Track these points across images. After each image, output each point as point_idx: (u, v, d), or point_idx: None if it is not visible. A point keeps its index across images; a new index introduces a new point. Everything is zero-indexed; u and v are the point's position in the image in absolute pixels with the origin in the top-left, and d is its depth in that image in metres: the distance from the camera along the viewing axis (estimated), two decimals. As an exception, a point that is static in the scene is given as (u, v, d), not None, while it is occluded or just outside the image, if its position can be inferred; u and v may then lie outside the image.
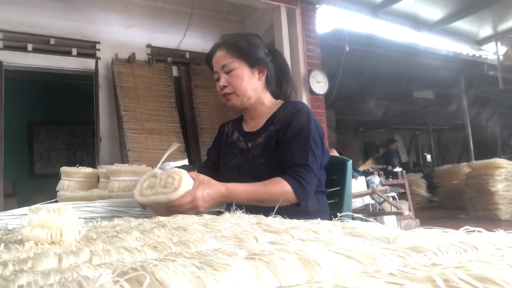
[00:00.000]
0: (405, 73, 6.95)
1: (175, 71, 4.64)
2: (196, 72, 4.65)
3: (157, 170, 1.06)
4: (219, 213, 0.93)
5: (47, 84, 5.85)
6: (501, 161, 5.53)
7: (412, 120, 11.15)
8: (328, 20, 4.72)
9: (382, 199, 4.05)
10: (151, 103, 4.20)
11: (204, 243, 0.45)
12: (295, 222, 0.61)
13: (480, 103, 8.98)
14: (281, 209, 0.86)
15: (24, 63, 3.90)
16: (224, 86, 1.27)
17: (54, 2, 4.09)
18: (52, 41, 3.98)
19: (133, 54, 4.28)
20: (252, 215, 0.76)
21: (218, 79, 1.29)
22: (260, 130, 1.30)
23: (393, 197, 4.49)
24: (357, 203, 4.18)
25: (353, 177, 3.75)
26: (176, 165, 1.65)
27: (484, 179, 5.53)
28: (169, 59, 4.57)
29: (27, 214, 0.66)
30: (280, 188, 1.09)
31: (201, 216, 0.79)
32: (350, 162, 1.48)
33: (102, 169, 1.43)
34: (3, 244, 0.52)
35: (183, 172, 0.98)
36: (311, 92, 4.21)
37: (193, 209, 0.97)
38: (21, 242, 0.55)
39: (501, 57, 6.21)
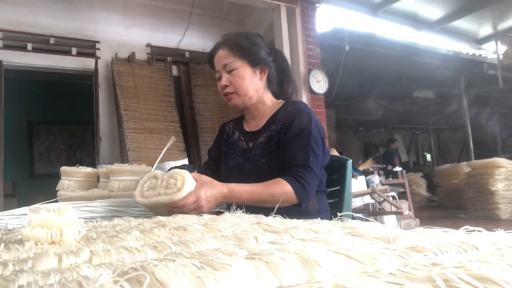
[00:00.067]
0: (405, 72, 6.95)
1: (175, 70, 4.64)
2: (196, 71, 4.65)
3: (157, 171, 1.06)
4: (219, 213, 0.93)
5: (47, 84, 5.85)
6: (501, 161, 5.53)
7: (412, 119, 11.15)
8: (328, 19, 4.72)
9: (382, 199, 4.05)
10: (151, 103, 4.20)
11: (204, 243, 0.45)
12: (295, 222, 0.61)
13: (480, 103, 8.97)
14: (281, 209, 0.86)
15: (24, 63, 3.90)
16: (226, 86, 1.27)
17: (54, 2, 4.08)
18: (52, 41, 3.98)
19: (133, 53, 4.28)
20: (252, 215, 0.76)
21: (220, 78, 1.29)
22: (261, 129, 1.30)
23: (393, 197, 4.49)
24: (357, 202, 4.18)
25: (353, 176, 3.75)
26: (176, 165, 1.65)
27: (484, 178, 5.53)
28: (169, 58, 4.57)
29: (27, 214, 0.66)
30: (281, 189, 1.09)
31: (201, 216, 0.79)
32: (350, 162, 1.48)
33: (102, 168, 1.43)
34: (3, 244, 0.52)
35: (186, 172, 0.98)
36: (311, 92, 4.21)
37: (196, 209, 0.97)
38: (21, 242, 0.55)
39: (501, 56, 6.21)
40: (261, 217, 0.70)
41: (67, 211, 0.58)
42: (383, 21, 5.04)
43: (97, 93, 4.09)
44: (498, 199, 5.36)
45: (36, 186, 5.64)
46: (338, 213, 0.60)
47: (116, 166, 1.35)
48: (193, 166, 1.44)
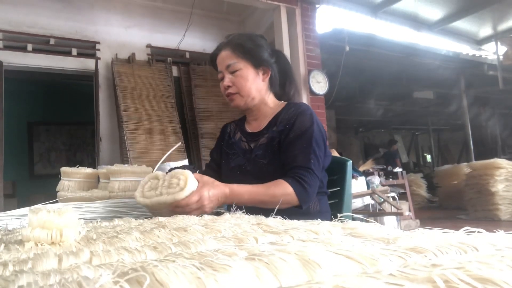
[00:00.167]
0: (405, 73, 6.95)
1: (175, 71, 4.64)
2: (196, 72, 4.65)
3: (158, 172, 1.06)
4: (219, 213, 0.93)
5: (47, 84, 5.85)
6: (501, 162, 5.53)
7: (412, 120, 11.15)
8: (328, 20, 4.73)
9: (382, 200, 4.05)
10: (151, 103, 4.20)
11: (204, 244, 0.45)
12: (295, 222, 0.61)
13: (480, 103, 8.98)
14: (282, 210, 0.86)
15: (24, 63, 3.90)
16: (228, 86, 1.27)
17: (54, 2, 4.09)
18: (52, 41, 3.98)
19: (133, 54, 4.29)
20: (252, 216, 0.76)
21: (222, 79, 1.29)
22: (263, 130, 1.30)
23: (393, 198, 4.48)
24: (357, 203, 4.18)
25: (353, 177, 3.75)
26: (176, 165, 1.65)
27: (484, 179, 5.53)
28: (169, 59, 4.57)
29: (27, 215, 0.66)
30: (282, 190, 1.10)
31: (201, 217, 0.79)
32: (350, 162, 1.48)
33: (102, 169, 1.43)
34: (3, 245, 0.52)
35: (188, 172, 0.99)
36: (311, 92, 4.21)
37: (199, 209, 0.97)
38: (21, 242, 0.55)
39: (501, 57, 6.21)
40: (261, 218, 0.70)
41: (67, 211, 0.58)
42: (383, 22, 5.04)
43: (97, 94, 4.09)
44: (498, 200, 5.35)
45: (36, 187, 5.64)
46: (338, 214, 0.60)
47: (116, 167, 1.35)
48: (193, 166, 1.44)
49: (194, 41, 4.71)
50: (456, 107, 7.92)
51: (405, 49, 5.52)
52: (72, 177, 1.41)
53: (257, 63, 1.28)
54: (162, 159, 1.26)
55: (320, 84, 4.29)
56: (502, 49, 6.16)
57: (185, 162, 3.64)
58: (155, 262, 0.30)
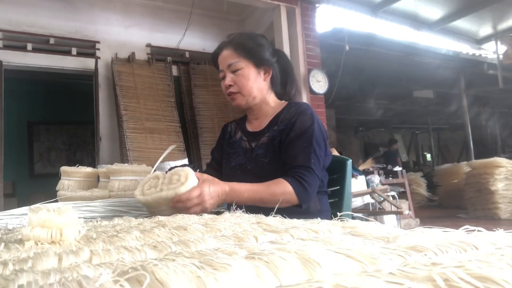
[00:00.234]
0: (405, 72, 6.95)
1: (175, 70, 4.64)
2: (196, 71, 4.65)
3: (158, 172, 1.06)
4: (219, 213, 0.93)
5: (47, 84, 5.84)
6: (501, 160, 5.53)
7: (412, 119, 11.15)
8: (328, 19, 4.72)
9: (382, 198, 4.05)
10: (151, 103, 4.20)
11: (204, 243, 0.45)
12: (295, 221, 0.61)
13: (480, 103, 8.98)
14: (282, 209, 0.86)
15: (24, 63, 3.90)
16: (230, 85, 1.28)
17: (54, 2, 4.08)
18: (52, 41, 3.98)
19: (133, 53, 4.28)
20: (252, 215, 0.76)
21: (224, 78, 1.29)
22: (264, 130, 1.30)
23: (393, 196, 4.49)
24: (357, 202, 4.18)
25: (353, 176, 3.75)
26: (176, 165, 1.65)
27: (484, 178, 5.53)
28: (169, 58, 4.57)
29: (27, 214, 0.66)
30: (282, 189, 1.10)
31: (201, 216, 0.79)
32: (350, 162, 1.48)
33: (102, 168, 1.43)
34: (3, 244, 0.52)
35: (189, 169, 1.00)
36: (311, 92, 4.21)
37: (200, 204, 0.97)
38: (21, 241, 0.55)
39: (501, 56, 6.21)
40: (261, 217, 0.71)
41: (67, 211, 0.58)
42: (383, 21, 5.04)
43: (97, 93, 4.09)
44: (498, 198, 5.36)
45: (36, 186, 5.64)
46: (338, 213, 0.60)
47: (116, 166, 1.35)
48: (193, 165, 1.44)
49: (194, 40, 4.71)
50: (456, 106, 7.92)
51: (405, 48, 5.52)
52: (72, 177, 1.41)
53: (259, 63, 1.28)
54: (158, 162, 1.26)
55: (320, 83, 4.29)
56: (502, 48, 6.16)
57: (185, 161, 3.64)
58: (155, 261, 0.30)
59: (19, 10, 3.89)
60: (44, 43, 3.99)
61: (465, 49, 6.23)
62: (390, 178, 5.27)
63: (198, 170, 1.20)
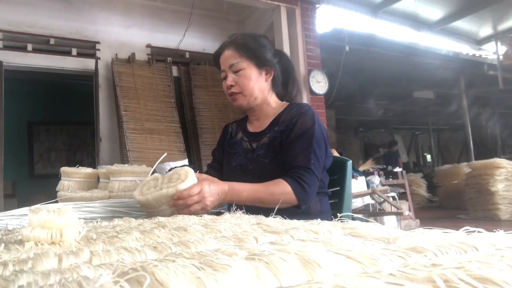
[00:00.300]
0: (405, 73, 6.95)
1: (175, 71, 4.64)
2: (196, 72, 4.65)
3: (157, 174, 1.06)
4: (219, 213, 0.93)
5: (47, 84, 5.85)
6: (501, 161, 5.53)
7: (412, 120, 11.15)
8: (328, 20, 4.72)
9: (382, 199, 4.05)
10: (151, 103, 4.20)
11: (204, 244, 0.45)
12: (295, 222, 0.61)
13: (480, 103, 8.97)
14: (283, 210, 0.86)
15: (24, 63, 3.90)
16: (231, 86, 1.28)
17: (54, 2, 4.09)
18: (52, 41, 3.98)
19: (133, 54, 4.29)
20: (252, 216, 0.76)
21: (225, 78, 1.30)
22: (265, 130, 1.30)
23: (393, 197, 4.49)
24: (357, 203, 4.18)
25: (353, 177, 3.75)
26: (176, 165, 1.66)
27: (484, 179, 5.53)
28: (169, 59, 4.57)
29: (27, 215, 0.66)
30: (281, 189, 1.10)
31: (201, 216, 0.79)
32: (350, 162, 1.48)
33: (102, 169, 1.43)
34: (3, 245, 0.52)
35: (188, 168, 1.00)
36: (311, 92, 4.21)
37: (200, 202, 0.97)
38: (21, 242, 0.55)
39: (501, 57, 6.21)
40: (261, 218, 0.71)
41: (67, 211, 0.58)
42: (383, 22, 5.04)
43: (97, 94, 4.09)
44: (498, 199, 5.35)
45: (36, 187, 5.64)
46: (338, 214, 0.60)
47: (116, 167, 1.35)
48: (193, 166, 1.44)
49: (194, 41, 4.71)
50: (456, 107, 7.92)
51: (405, 49, 5.52)
52: (72, 177, 1.41)
53: (260, 63, 1.28)
54: (152, 169, 1.27)
55: (320, 84, 4.29)
56: (502, 49, 6.16)
57: (185, 162, 3.64)
58: (155, 262, 0.30)
59: (19, 10, 3.90)
60: (44, 44, 3.99)
61: (465, 49, 6.23)
62: (390, 179, 5.27)
63: (197, 171, 1.20)
